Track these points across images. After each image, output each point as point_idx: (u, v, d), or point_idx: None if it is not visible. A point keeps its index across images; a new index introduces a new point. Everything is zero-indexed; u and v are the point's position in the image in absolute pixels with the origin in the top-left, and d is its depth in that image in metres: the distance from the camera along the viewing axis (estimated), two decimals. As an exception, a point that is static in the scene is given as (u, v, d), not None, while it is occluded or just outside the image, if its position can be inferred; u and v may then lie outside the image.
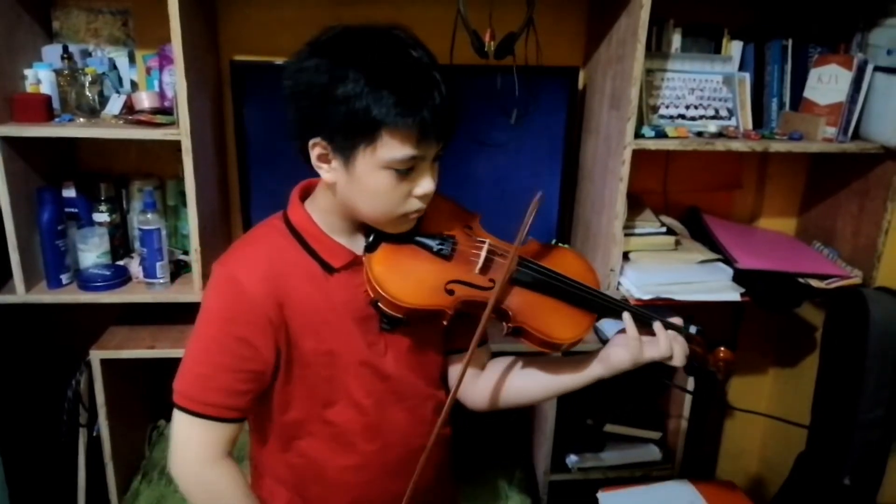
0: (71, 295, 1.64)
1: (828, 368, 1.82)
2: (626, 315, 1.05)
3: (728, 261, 1.78)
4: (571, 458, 1.90)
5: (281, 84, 0.96)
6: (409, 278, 1.01)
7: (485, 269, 1.05)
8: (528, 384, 1.14)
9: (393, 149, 0.91)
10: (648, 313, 1.07)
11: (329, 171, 0.97)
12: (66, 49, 1.62)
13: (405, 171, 0.94)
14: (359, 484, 1.11)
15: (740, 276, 1.73)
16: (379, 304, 1.00)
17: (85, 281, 1.65)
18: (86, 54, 1.73)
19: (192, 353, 0.99)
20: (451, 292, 1.01)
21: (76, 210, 1.70)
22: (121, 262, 1.73)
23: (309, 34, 0.99)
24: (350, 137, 0.92)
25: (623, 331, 1.06)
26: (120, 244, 1.77)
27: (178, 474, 1.01)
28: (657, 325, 1.06)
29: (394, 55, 0.92)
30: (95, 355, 1.65)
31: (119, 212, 1.77)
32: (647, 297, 1.64)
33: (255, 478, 1.17)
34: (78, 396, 1.74)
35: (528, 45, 1.62)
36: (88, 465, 1.78)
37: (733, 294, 1.70)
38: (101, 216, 1.72)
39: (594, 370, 1.07)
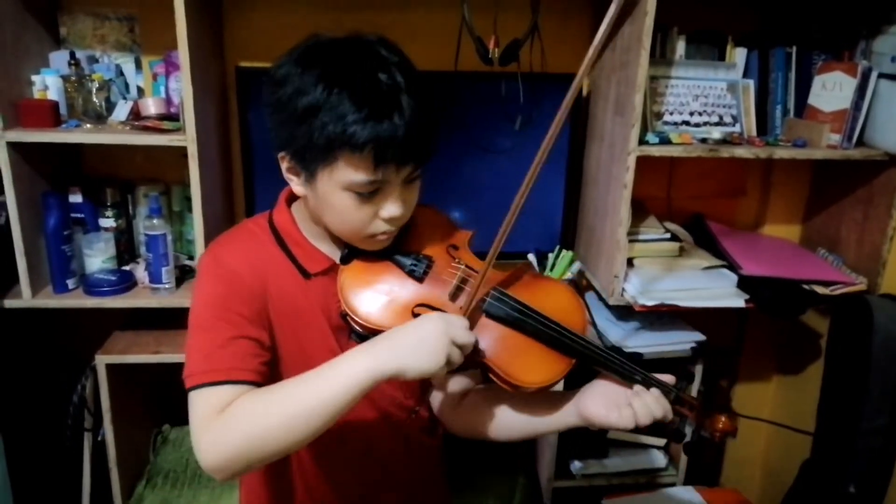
0: (77, 300, 1.65)
1: (832, 375, 1.81)
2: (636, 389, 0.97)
3: (732, 267, 1.78)
4: (575, 465, 1.89)
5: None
6: (376, 296, 0.98)
7: (456, 295, 0.99)
8: (502, 424, 1.10)
9: (349, 173, 0.89)
10: (635, 369, 0.99)
11: (298, 185, 0.97)
12: (73, 55, 1.63)
13: (368, 195, 0.91)
14: (315, 471, 1.10)
15: (745, 283, 1.73)
16: (346, 317, 0.98)
17: (91, 286, 1.65)
18: (92, 60, 1.74)
19: (194, 340, 0.95)
20: (416, 315, 0.96)
21: (82, 215, 1.71)
22: (126, 268, 1.74)
23: (313, 40, 0.99)
24: (310, 156, 0.90)
25: (603, 376, 1.01)
26: (125, 249, 1.78)
27: (206, 453, 0.86)
28: (639, 390, 0.97)
29: (358, 76, 0.88)
30: (101, 360, 1.65)
31: (125, 217, 1.77)
32: (651, 303, 1.64)
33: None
34: (83, 401, 1.74)
35: (532, 52, 1.62)
36: (93, 469, 1.78)
37: (738, 301, 1.70)
38: (107, 221, 1.73)
39: (569, 418, 1.02)
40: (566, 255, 1.80)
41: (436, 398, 1.15)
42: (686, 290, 1.70)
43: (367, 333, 0.97)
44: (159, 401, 1.93)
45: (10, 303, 1.62)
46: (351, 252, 1.01)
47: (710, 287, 1.73)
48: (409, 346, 0.87)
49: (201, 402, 0.90)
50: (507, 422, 1.09)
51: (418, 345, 0.87)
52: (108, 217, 1.73)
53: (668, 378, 1.01)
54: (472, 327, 0.97)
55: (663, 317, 1.82)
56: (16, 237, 1.57)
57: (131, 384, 1.76)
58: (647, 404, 0.95)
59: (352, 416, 1.07)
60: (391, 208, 0.94)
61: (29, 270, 1.60)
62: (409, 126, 0.87)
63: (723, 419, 1.02)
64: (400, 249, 1.01)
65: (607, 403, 0.97)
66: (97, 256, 1.69)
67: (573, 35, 1.87)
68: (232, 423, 0.86)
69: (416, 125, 0.88)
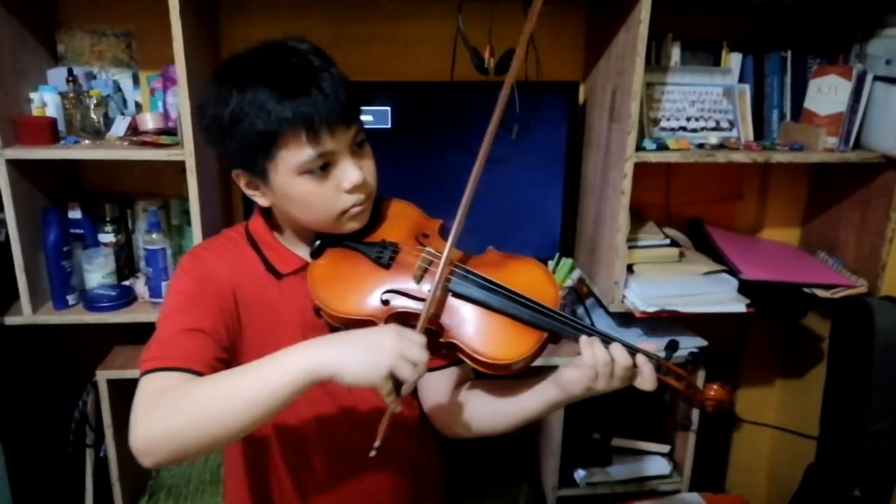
0: (77, 315, 1.65)
1: (835, 379, 1.81)
2: (582, 339, 0.95)
3: (732, 272, 1.78)
4: (579, 473, 1.88)
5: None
6: (345, 287, 0.98)
7: (422, 278, 0.99)
8: (487, 410, 1.07)
9: (292, 154, 0.91)
10: (609, 336, 0.96)
11: (261, 196, 1.00)
12: (70, 72, 1.64)
13: (321, 171, 0.94)
14: (306, 478, 1.10)
15: (745, 288, 1.73)
16: (320, 311, 0.98)
17: (91, 301, 1.65)
18: (90, 76, 1.74)
19: (157, 329, 0.97)
20: (385, 302, 0.97)
21: (81, 231, 1.72)
22: (126, 282, 1.74)
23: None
24: (253, 158, 0.93)
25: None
26: (125, 264, 1.78)
27: (135, 430, 0.84)
28: (614, 347, 0.94)
29: (270, 67, 0.92)
30: (102, 376, 1.65)
31: (124, 232, 1.78)
32: (651, 309, 1.64)
33: (226, 481, 1.19)
34: (85, 417, 1.74)
35: (528, 61, 1.63)
36: (95, 485, 1.78)
37: (738, 305, 1.70)
38: (107, 236, 1.73)
39: (549, 393, 1.00)
40: (566, 262, 1.80)
41: (426, 400, 1.13)
42: (686, 295, 1.70)
43: (343, 326, 0.97)
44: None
45: (10, 319, 1.62)
46: (321, 246, 1.02)
47: (711, 292, 1.72)
48: (352, 348, 0.84)
49: (148, 385, 0.89)
50: (493, 410, 1.07)
51: (362, 350, 0.84)
52: (107, 232, 1.73)
53: (651, 347, 0.97)
54: (439, 311, 0.97)
55: (664, 323, 1.82)
56: (16, 254, 1.57)
57: (133, 399, 1.76)
58: (618, 360, 0.93)
59: (336, 437, 1.07)
60: (349, 176, 0.95)
61: (29, 287, 1.60)
62: (328, 93, 0.90)
63: (714, 388, 0.96)
64: (367, 240, 1.03)
65: (584, 369, 0.94)
66: (97, 272, 1.69)
67: (567, 44, 1.88)
68: (164, 402, 0.85)
69: (335, 90, 0.91)
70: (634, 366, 0.94)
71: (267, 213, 1.08)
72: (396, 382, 0.85)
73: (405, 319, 0.96)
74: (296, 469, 1.10)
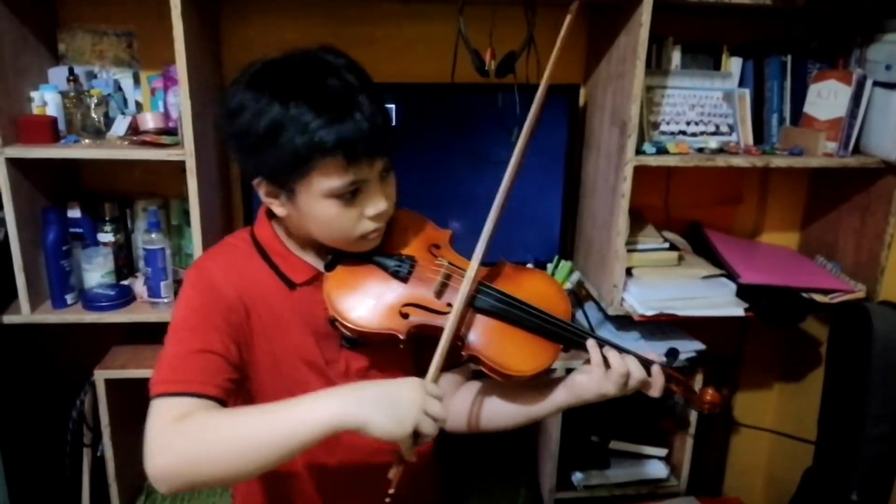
0: (76, 315, 1.65)
1: (833, 383, 1.81)
2: (590, 343, 1.01)
3: (731, 276, 1.78)
4: (577, 476, 1.88)
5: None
6: (363, 299, 0.99)
7: (442, 292, 1.01)
8: (496, 410, 1.10)
9: (326, 179, 0.91)
10: (618, 346, 1.03)
11: (279, 206, 0.99)
12: (71, 71, 1.64)
13: (349, 196, 0.93)
14: (324, 495, 1.10)
15: (744, 292, 1.73)
16: (336, 322, 0.99)
17: (89, 301, 1.65)
18: (91, 76, 1.74)
19: (167, 346, 0.96)
20: (405, 315, 0.98)
21: (81, 230, 1.71)
22: (125, 282, 1.74)
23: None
24: (284, 174, 0.92)
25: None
26: (124, 264, 1.78)
27: (153, 458, 0.84)
28: (628, 358, 1.01)
29: (311, 85, 0.90)
30: (100, 375, 1.65)
31: (123, 231, 1.77)
32: (650, 312, 1.64)
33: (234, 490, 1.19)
34: (82, 416, 1.74)
35: (528, 64, 1.63)
36: (92, 485, 1.78)
37: (737, 309, 1.70)
38: (106, 236, 1.73)
39: (559, 397, 1.05)
40: (565, 265, 1.80)
41: None
42: (685, 299, 1.70)
43: (357, 337, 0.99)
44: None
45: (8, 318, 1.62)
46: (335, 258, 1.02)
47: (710, 296, 1.73)
48: (379, 403, 0.84)
49: (162, 411, 0.88)
50: (500, 410, 1.10)
51: (389, 405, 0.84)
52: (106, 232, 1.73)
53: (655, 356, 1.05)
54: (460, 324, 0.98)
55: (663, 326, 1.82)
56: (14, 253, 1.57)
57: (130, 399, 1.75)
58: (633, 370, 1.00)
59: (346, 436, 1.07)
60: (375, 205, 0.95)
61: (28, 286, 1.60)
62: (370, 120, 0.90)
63: (710, 392, 1.06)
64: (382, 252, 1.03)
65: (593, 374, 1.01)
66: (96, 271, 1.69)
67: (568, 47, 1.87)
68: (185, 432, 0.85)
69: (376, 118, 0.91)
70: (649, 375, 1.02)
71: (273, 218, 1.07)
72: (415, 435, 0.87)
73: (425, 332, 0.98)
74: (318, 477, 1.10)
